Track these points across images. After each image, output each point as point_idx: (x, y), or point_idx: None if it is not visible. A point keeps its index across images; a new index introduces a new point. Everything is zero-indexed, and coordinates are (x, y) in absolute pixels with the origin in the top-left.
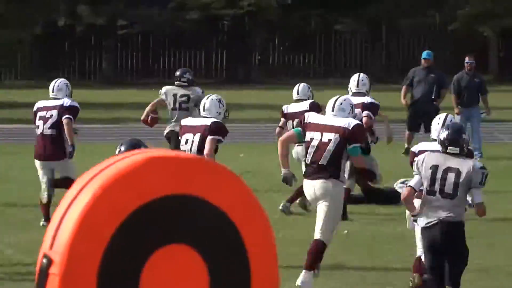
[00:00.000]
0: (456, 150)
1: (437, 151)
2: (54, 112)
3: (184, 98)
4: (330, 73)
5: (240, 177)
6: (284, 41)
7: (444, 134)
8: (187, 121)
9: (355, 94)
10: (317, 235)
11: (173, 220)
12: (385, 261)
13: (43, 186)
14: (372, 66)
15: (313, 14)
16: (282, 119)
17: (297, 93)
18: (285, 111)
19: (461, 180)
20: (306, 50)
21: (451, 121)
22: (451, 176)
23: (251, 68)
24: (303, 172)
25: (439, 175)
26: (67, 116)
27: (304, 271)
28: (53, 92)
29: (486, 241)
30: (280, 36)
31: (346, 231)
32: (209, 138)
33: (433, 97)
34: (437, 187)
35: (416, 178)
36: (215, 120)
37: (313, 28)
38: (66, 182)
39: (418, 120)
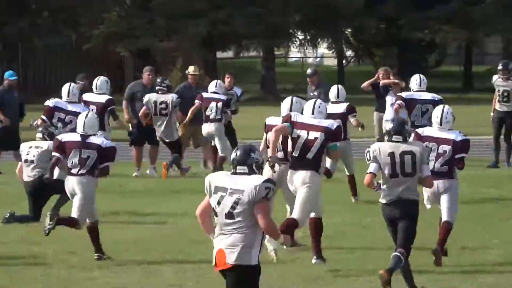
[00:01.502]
0: (399, 138)
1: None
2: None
3: (163, 105)
4: None
5: None
6: None
7: (389, 126)
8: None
9: None
10: (294, 215)
11: None
12: (21, 281)
13: None
14: None
15: None
16: None
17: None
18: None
19: (416, 160)
20: None
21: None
22: (408, 158)
23: None
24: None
25: (397, 159)
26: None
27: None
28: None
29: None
30: None
31: None
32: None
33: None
34: (398, 169)
35: (373, 165)
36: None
37: None
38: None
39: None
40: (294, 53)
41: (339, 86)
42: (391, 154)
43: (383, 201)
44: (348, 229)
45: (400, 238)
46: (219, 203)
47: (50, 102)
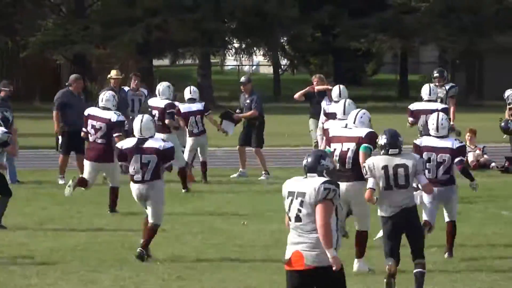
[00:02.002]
0: (396, 151)
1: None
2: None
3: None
4: None
5: None
6: None
7: (383, 140)
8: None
9: None
10: (359, 227)
11: None
12: None
13: None
14: None
15: None
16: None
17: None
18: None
19: (410, 172)
20: None
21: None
22: (401, 171)
23: None
24: None
25: (390, 172)
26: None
27: (356, 259)
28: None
29: None
30: None
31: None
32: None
33: None
34: (391, 182)
35: (370, 180)
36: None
37: None
38: None
39: None
40: (230, 61)
41: (341, 86)
42: (385, 167)
43: (384, 214)
44: (285, 237)
45: (415, 249)
46: (289, 207)
47: (85, 112)
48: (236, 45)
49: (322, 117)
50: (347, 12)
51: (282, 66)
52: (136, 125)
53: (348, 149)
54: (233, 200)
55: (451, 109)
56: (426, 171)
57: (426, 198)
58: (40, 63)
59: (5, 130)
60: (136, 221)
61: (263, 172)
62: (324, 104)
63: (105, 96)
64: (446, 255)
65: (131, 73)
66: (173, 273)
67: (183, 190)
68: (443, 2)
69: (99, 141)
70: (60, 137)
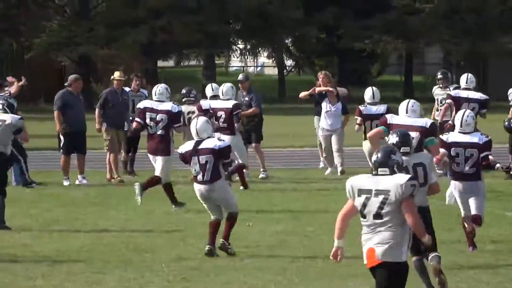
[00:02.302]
0: (407, 149)
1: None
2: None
3: (191, 115)
4: None
5: None
6: None
7: (394, 139)
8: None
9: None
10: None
11: None
12: None
13: None
14: None
15: None
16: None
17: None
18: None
19: (427, 170)
20: None
21: None
22: (419, 170)
23: None
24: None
25: (411, 171)
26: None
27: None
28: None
29: None
30: None
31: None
32: None
33: None
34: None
35: None
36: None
37: None
38: None
39: None
40: (235, 62)
41: (374, 88)
42: (405, 168)
43: None
44: (290, 238)
45: (417, 244)
46: (364, 205)
47: (140, 104)
48: (241, 46)
49: (323, 120)
50: (352, 13)
51: (287, 67)
52: (193, 128)
53: (412, 138)
54: (237, 201)
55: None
56: (455, 165)
57: (456, 194)
58: (45, 65)
59: (19, 116)
60: (141, 222)
61: (262, 170)
62: (324, 105)
63: (158, 89)
64: (470, 249)
65: (132, 74)
66: (178, 274)
67: (241, 188)
68: (447, 3)
69: (159, 132)
70: (62, 138)
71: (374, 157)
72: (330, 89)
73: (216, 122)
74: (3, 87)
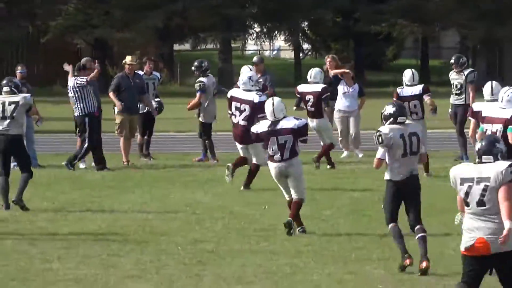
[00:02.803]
0: (404, 119)
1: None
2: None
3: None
4: None
5: None
6: None
7: (391, 109)
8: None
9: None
10: None
11: None
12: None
13: None
14: None
15: None
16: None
17: (413, 79)
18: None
19: (420, 139)
20: None
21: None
22: (414, 139)
23: None
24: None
25: (407, 140)
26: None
27: None
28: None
29: None
30: None
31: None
32: None
33: None
34: (408, 149)
35: (381, 150)
36: None
37: None
38: None
39: None
40: (251, 46)
41: (413, 69)
42: (402, 136)
43: (394, 179)
44: (306, 221)
45: (415, 213)
46: (467, 193)
47: (229, 93)
48: (257, 29)
49: (340, 101)
50: None
51: (303, 51)
52: (268, 107)
53: (497, 130)
54: (253, 184)
55: (471, 95)
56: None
57: None
58: (61, 48)
59: (28, 94)
60: (157, 205)
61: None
62: (340, 88)
63: (241, 79)
64: None
65: (144, 58)
66: (193, 257)
67: (328, 166)
68: None
69: (242, 123)
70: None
71: (478, 146)
72: (346, 70)
73: (304, 106)
74: (85, 69)
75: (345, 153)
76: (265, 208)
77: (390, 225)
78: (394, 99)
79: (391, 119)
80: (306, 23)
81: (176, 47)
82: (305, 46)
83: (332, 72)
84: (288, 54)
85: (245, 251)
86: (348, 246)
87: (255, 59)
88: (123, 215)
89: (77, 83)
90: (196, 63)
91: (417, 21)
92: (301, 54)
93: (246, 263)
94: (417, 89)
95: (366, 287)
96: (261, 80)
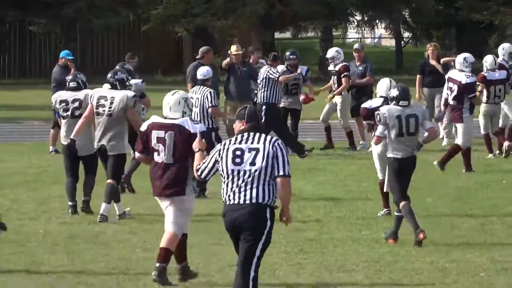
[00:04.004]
0: (406, 103)
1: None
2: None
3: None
4: (25, 73)
5: None
6: None
7: (395, 92)
8: None
9: None
10: None
11: None
12: (82, 261)
13: None
14: None
15: (8, 14)
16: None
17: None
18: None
19: (419, 121)
20: (0, 50)
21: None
22: (412, 120)
23: None
24: None
25: (403, 121)
26: None
27: None
28: None
29: None
30: None
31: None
32: None
33: None
34: (404, 129)
35: (380, 128)
36: None
37: (7, 28)
38: None
39: None
40: (352, 34)
41: (493, 55)
42: (398, 117)
43: (396, 156)
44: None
45: (405, 189)
46: None
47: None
48: (358, 18)
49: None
50: None
51: (404, 39)
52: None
53: None
54: (355, 173)
55: None
56: None
57: None
58: (161, 37)
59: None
60: None
61: (361, 143)
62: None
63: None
64: None
65: (250, 47)
66: (295, 246)
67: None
68: None
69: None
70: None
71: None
72: (454, 57)
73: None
74: (276, 60)
75: (445, 141)
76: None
77: (402, 203)
78: (479, 82)
79: (394, 101)
80: (408, 11)
81: (277, 35)
82: (406, 34)
83: (442, 60)
84: (389, 42)
85: (347, 240)
86: (450, 234)
87: (356, 46)
88: (220, 205)
89: (269, 74)
90: (288, 52)
91: None
92: (402, 42)
93: (348, 251)
94: (504, 73)
95: (468, 275)
96: (360, 68)
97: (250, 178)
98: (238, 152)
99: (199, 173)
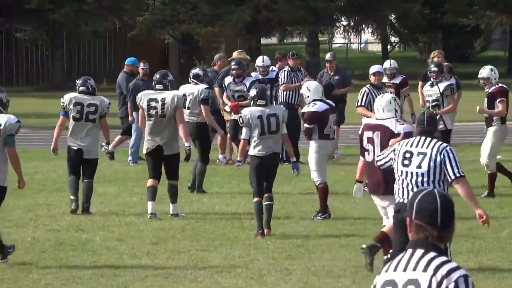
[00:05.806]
0: (263, 102)
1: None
2: None
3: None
4: (11, 81)
5: None
6: None
7: (253, 92)
8: None
9: None
10: None
11: None
12: (69, 268)
13: None
14: (53, 72)
15: None
16: None
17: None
18: None
19: (280, 120)
20: None
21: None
22: (273, 120)
23: None
24: None
25: (265, 121)
26: None
27: None
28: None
29: None
30: None
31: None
32: None
33: None
34: (265, 128)
35: (245, 130)
36: None
37: None
38: None
39: None
40: (339, 39)
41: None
42: (260, 117)
43: (258, 154)
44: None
45: (270, 186)
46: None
47: None
48: (344, 23)
49: None
50: None
51: (391, 43)
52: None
53: None
54: (343, 178)
55: None
56: None
57: None
58: (147, 43)
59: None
60: (246, 200)
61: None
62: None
63: None
64: None
65: (276, 53)
66: (283, 251)
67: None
68: None
69: None
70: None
71: None
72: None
73: None
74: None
75: None
76: (354, 202)
77: (256, 199)
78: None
79: (252, 101)
80: (394, 16)
81: (263, 41)
82: (393, 38)
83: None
84: (376, 47)
85: (335, 245)
86: None
87: (328, 56)
88: (211, 210)
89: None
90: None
91: (505, 12)
92: (388, 47)
93: (335, 256)
94: None
95: None
96: (337, 77)
97: (416, 179)
98: (407, 155)
99: (377, 158)
